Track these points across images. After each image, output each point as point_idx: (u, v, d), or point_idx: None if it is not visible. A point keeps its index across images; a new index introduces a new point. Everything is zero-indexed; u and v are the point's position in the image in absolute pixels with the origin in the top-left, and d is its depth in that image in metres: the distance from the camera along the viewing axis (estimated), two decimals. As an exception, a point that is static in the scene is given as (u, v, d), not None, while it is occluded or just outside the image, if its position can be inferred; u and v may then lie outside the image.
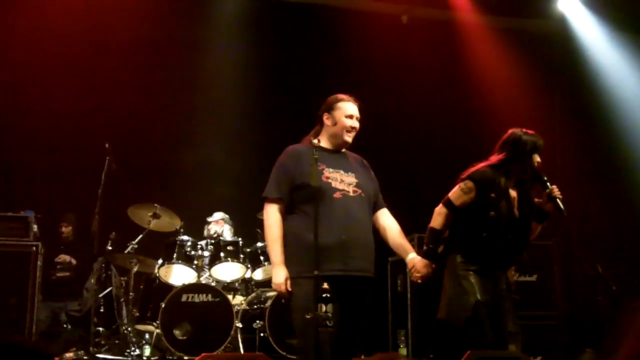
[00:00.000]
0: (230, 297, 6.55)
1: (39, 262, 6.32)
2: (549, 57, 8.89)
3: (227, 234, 7.16)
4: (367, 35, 8.43)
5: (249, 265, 6.79)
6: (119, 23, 7.89)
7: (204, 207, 7.56)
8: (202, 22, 8.42)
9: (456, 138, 8.45)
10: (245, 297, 6.85)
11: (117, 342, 6.76)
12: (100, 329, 6.87)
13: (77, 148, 7.70)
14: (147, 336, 6.74)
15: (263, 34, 8.49)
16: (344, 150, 4.31)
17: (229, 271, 6.81)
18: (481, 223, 4.22)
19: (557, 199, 4.28)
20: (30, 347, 2.34)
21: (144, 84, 7.98)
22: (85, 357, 6.17)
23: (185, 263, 6.71)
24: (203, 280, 6.68)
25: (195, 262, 6.73)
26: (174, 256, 6.69)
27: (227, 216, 7.34)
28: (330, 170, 4.11)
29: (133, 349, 6.48)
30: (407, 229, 4.45)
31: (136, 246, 6.85)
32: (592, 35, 8.68)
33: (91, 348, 6.23)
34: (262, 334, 6.45)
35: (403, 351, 6.53)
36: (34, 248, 6.29)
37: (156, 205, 6.88)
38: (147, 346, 6.52)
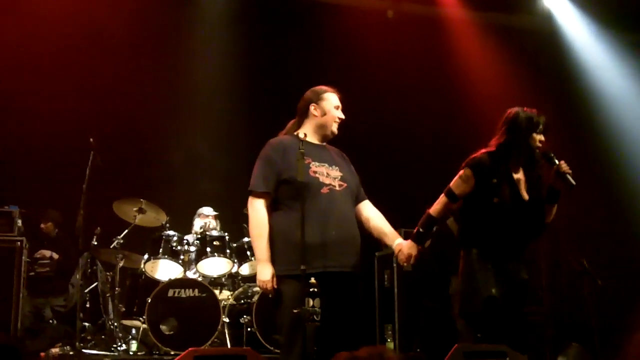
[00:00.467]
0: (217, 292, 6.55)
1: (23, 257, 6.27)
2: (535, 53, 8.91)
3: (215, 229, 7.15)
4: (352, 30, 8.43)
5: (235, 261, 6.78)
6: (103, 18, 7.85)
7: (190, 202, 7.54)
8: (188, 18, 8.38)
9: (441, 133, 8.47)
10: (232, 292, 6.84)
11: (103, 337, 6.74)
12: (86, 324, 6.87)
13: (63, 143, 7.63)
14: (133, 331, 6.72)
15: (250, 29, 8.47)
16: (324, 143, 4.23)
17: (215, 266, 6.80)
18: (486, 211, 4.12)
19: (567, 174, 4.15)
20: (10, 343, 2.32)
21: (130, 79, 7.93)
22: (71, 353, 6.13)
23: (171, 258, 6.69)
24: (189, 275, 6.67)
25: (182, 257, 6.72)
26: (160, 251, 6.67)
27: (215, 213, 7.33)
28: (317, 164, 4.02)
29: (119, 344, 6.47)
30: (394, 225, 4.42)
31: (122, 241, 6.82)
32: (578, 31, 8.74)
33: (77, 343, 6.18)
34: (249, 329, 6.46)
35: (390, 345, 6.54)
36: (19, 243, 6.24)
37: (142, 200, 6.86)
38: (133, 341, 6.50)
